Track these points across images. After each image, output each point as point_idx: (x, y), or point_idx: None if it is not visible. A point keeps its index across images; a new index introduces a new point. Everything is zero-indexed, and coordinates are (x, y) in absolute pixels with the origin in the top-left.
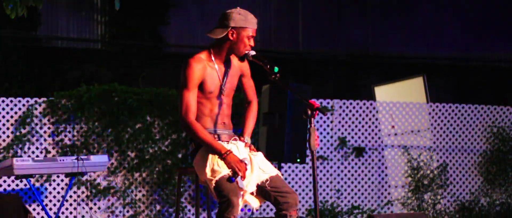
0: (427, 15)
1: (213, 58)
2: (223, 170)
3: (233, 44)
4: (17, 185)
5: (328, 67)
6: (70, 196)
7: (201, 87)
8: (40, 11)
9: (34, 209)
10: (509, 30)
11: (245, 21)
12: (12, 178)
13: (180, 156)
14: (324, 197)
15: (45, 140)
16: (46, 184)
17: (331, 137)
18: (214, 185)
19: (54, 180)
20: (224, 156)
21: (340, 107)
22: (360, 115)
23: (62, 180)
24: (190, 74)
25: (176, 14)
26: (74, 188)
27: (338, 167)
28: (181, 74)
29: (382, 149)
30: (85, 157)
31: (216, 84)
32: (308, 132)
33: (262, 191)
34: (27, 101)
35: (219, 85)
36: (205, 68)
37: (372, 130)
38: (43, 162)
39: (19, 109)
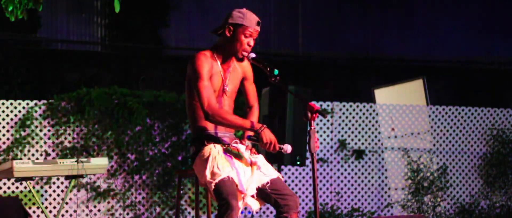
0: (427, 17)
1: (216, 57)
2: (223, 173)
3: (230, 42)
4: (17, 188)
5: (328, 69)
6: (70, 199)
7: None
8: (40, 13)
9: (34, 212)
10: (509, 32)
11: (243, 19)
12: (12, 180)
13: (180, 158)
14: (324, 200)
15: (45, 142)
16: (46, 187)
17: (331, 139)
18: (213, 187)
19: (54, 183)
20: (259, 131)
21: (340, 110)
22: (360, 118)
23: (62, 183)
24: (200, 66)
25: (176, 16)
26: (74, 191)
27: (338, 170)
28: (190, 70)
29: (382, 152)
30: (85, 159)
31: (218, 84)
32: (308, 134)
33: (262, 194)
34: (27, 104)
35: (222, 85)
36: (211, 64)
37: (372, 133)
38: (43, 165)
39: (19, 111)
